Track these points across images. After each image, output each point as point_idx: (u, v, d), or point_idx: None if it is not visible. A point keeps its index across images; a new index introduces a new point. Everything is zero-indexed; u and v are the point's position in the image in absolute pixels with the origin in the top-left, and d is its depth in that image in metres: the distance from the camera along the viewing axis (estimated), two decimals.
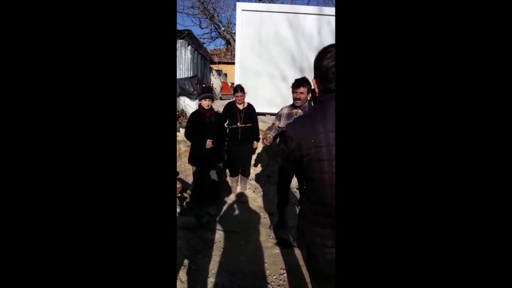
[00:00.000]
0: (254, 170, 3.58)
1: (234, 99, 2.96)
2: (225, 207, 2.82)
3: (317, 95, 0.91)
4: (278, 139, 2.33)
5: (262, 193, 3.16)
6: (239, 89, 2.87)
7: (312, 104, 2.10)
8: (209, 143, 2.59)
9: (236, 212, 2.72)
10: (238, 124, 2.89)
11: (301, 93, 2.11)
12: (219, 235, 2.29)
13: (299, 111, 2.18)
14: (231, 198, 3.00)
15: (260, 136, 2.97)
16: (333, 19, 4.67)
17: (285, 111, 2.29)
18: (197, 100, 2.74)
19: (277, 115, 2.34)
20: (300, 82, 2.12)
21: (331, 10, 4.80)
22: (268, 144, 2.23)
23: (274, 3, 9.00)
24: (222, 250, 2.10)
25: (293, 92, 2.16)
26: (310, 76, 3.68)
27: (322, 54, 0.85)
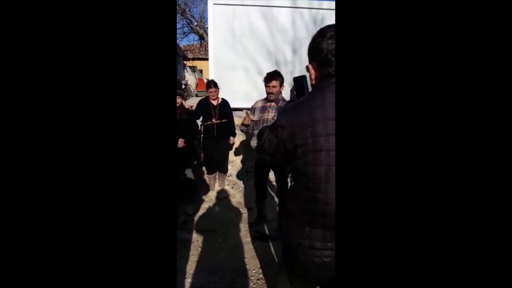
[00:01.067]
0: (232, 166, 3.54)
1: (208, 95, 2.89)
2: (203, 206, 2.76)
3: (313, 81, 0.83)
4: (254, 134, 2.29)
5: (241, 188, 3.13)
6: (212, 84, 2.80)
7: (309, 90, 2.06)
8: (180, 142, 2.51)
9: (215, 209, 2.67)
10: (213, 120, 2.82)
11: (273, 86, 2.09)
12: (196, 234, 2.24)
13: (273, 104, 2.16)
14: (209, 196, 2.94)
15: (237, 131, 2.92)
16: (306, 11, 4.68)
17: (259, 104, 2.27)
18: None
19: (252, 108, 2.31)
20: (272, 76, 2.11)
21: (304, 3, 4.81)
22: (247, 124, 2.17)
23: None
24: (200, 249, 2.05)
25: (266, 86, 2.14)
26: (286, 70, 3.70)
27: (321, 35, 0.77)
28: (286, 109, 0.86)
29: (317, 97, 0.78)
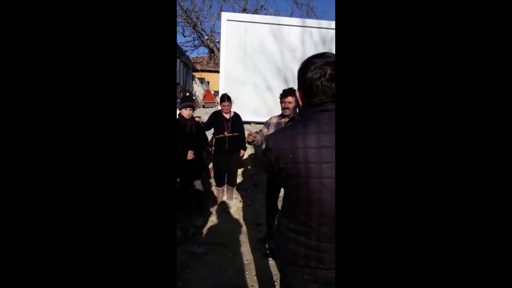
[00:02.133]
0: (241, 179, 3.55)
1: (220, 108, 2.94)
2: (211, 218, 2.75)
3: (301, 107, 0.87)
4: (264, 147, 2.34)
5: (249, 202, 3.12)
6: (226, 98, 2.86)
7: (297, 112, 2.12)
8: (190, 154, 2.54)
9: (223, 223, 2.66)
10: (225, 133, 2.86)
11: (289, 102, 2.15)
12: (206, 248, 2.22)
13: (288, 120, 2.21)
14: (217, 209, 2.94)
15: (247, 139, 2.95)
16: (315, 30, 4.82)
17: (274, 120, 2.31)
18: (178, 109, 2.66)
19: (266, 123, 2.35)
20: (287, 92, 2.17)
21: (314, 22, 4.96)
22: (251, 140, 2.21)
23: (258, 13, 9.17)
24: (209, 264, 2.03)
25: (281, 102, 2.20)
26: (294, 87, 3.75)
27: (306, 66, 0.80)
28: (274, 133, 0.90)
29: (299, 124, 0.81)
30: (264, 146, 2.35)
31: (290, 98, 2.15)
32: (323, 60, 0.78)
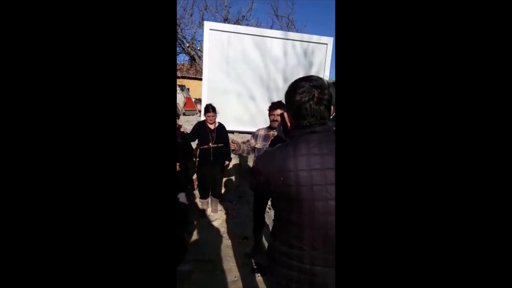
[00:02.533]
0: (225, 191, 3.48)
1: (204, 118, 2.89)
2: (196, 232, 2.65)
3: (289, 128, 0.88)
4: (254, 158, 2.31)
5: (234, 215, 3.06)
6: (211, 108, 2.81)
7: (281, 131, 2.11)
8: (176, 166, 2.45)
9: (209, 237, 2.57)
10: (210, 144, 2.80)
11: (278, 115, 2.15)
12: (192, 265, 2.13)
13: (276, 131, 2.21)
14: (202, 222, 2.84)
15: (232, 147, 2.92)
16: (297, 43, 4.96)
17: (262, 132, 2.30)
18: None
19: (254, 135, 2.33)
20: (276, 105, 2.17)
21: (295, 35, 5.10)
22: (233, 149, 2.19)
23: (239, 24, 9.27)
24: (197, 283, 1.94)
25: (270, 114, 2.19)
26: (277, 96, 3.87)
27: (293, 89, 0.81)
28: (263, 155, 0.90)
29: (289, 146, 0.81)
30: (252, 160, 2.33)
31: (279, 111, 2.15)
32: (310, 84, 0.79)
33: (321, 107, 0.79)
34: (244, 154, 2.38)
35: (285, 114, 0.88)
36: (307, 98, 0.78)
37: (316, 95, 0.78)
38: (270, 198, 2.47)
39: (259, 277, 2.01)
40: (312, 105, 0.79)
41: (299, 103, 0.79)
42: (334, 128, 0.79)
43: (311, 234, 0.78)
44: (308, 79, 0.82)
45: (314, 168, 0.76)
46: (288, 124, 0.88)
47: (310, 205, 0.77)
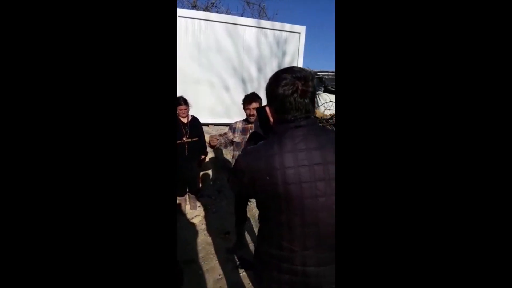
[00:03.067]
0: (203, 186, 3.37)
1: (177, 112, 2.72)
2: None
3: (271, 124, 0.82)
4: (235, 155, 2.22)
5: (214, 210, 2.99)
6: (183, 101, 2.65)
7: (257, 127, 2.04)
8: None
9: (189, 236, 2.48)
10: (184, 139, 2.66)
11: (254, 108, 2.07)
12: None
13: (253, 125, 2.14)
14: (180, 220, 2.73)
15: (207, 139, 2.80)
16: (269, 32, 4.87)
17: (240, 125, 2.21)
18: None
19: (231, 127, 2.23)
20: (251, 98, 2.08)
21: (268, 24, 5.00)
22: (214, 144, 2.08)
23: (209, 11, 8.88)
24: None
25: (245, 108, 2.10)
26: (251, 86, 3.79)
27: (275, 81, 0.75)
28: (246, 153, 0.84)
29: (273, 143, 0.77)
30: (229, 153, 2.24)
31: (254, 104, 2.06)
32: (293, 75, 0.74)
33: (305, 100, 0.74)
34: (222, 147, 2.29)
35: (267, 109, 0.82)
36: (290, 91, 0.73)
37: (300, 87, 0.73)
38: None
39: (243, 273, 1.99)
40: (296, 98, 0.73)
41: (282, 97, 0.74)
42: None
43: (302, 233, 0.75)
44: (291, 70, 0.76)
45: (302, 165, 0.73)
46: (270, 119, 0.82)
47: (300, 203, 0.73)
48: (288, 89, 0.73)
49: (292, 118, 0.75)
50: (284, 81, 0.73)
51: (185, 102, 2.65)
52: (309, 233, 0.75)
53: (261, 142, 0.82)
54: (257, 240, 0.90)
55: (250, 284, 1.87)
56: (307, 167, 0.73)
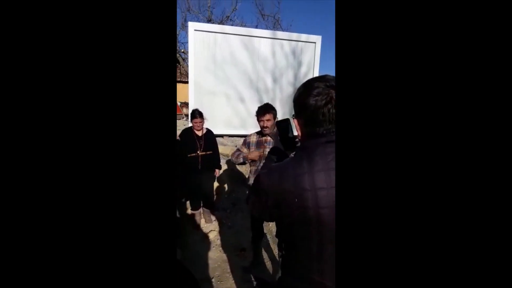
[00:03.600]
0: (217, 199, 3.31)
1: (191, 125, 2.70)
2: (190, 248, 2.47)
3: (299, 137, 0.74)
4: (250, 174, 2.14)
5: (229, 224, 2.90)
6: (198, 114, 2.62)
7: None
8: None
9: (204, 252, 2.40)
10: (198, 152, 2.62)
11: (268, 120, 1.99)
12: None
13: (269, 138, 2.05)
14: (195, 235, 2.66)
15: (225, 159, 2.75)
16: (285, 42, 4.86)
17: (254, 139, 2.13)
18: None
19: (245, 142, 2.15)
20: (265, 109, 2.00)
21: (284, 35, 5.00)
22: (256, 158, 2.03)
23: (224, 24, 9.09)
24: None
25: (259, 120, 2.01)
26: (267, 97, 3.75)
27: (307, 91, 0.68)
28: (270, 171, 0.73)
29: (303, 161, 0.68)
30: (246, 166, 2.16)
31: (268, 116, 1.98)
32: (327, 84, 0.66)
33: None
34: (241, 163, 2.20)
35: (295, 121, 0.74)
36: (324, 102, 0.65)
37: (334, 97, 0.65)
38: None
39: None
40: (331, 109, 0.65)
41: (314, 108, 0.66)
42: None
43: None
44: (324, 78, 0.69)
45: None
46: (299, 132, 0.74)
47: (332, 231, 0.62)
48: (321, 100, 0.66)
49: (325, 132, 0.67)
50: (317, 90, 0.66)
51: (200, 115, 2.63)
52: None
53: (287, 159, 0.73)
54: (280, 269, 0.80)
55: None
56: None
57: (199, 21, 8.93)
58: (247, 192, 2.05)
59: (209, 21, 9.65)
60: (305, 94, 0.68)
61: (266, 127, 1.99)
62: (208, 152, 2.66)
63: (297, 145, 0.84)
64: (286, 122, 0.93)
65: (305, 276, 0.68)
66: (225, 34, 4.61)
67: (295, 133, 0.82)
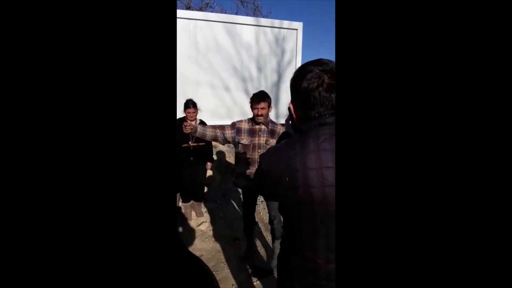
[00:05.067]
0: (208, 191, 3.29)
1: (184, 115, 2.63)
2: (184, 241, 2.46)
3: (295, 121, 0.76)
4: (236, 161, 2.12)
5: (221, 215, 2.91)
6: (191, 104, 2.56)
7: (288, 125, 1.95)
8: None
9: (198, 244, 2.40)
10: (190, 143, 2.57)
11: (262, 108, 1.96)
12: None
13: (263, 127, 2.03)
14: (188, 228, 2.64)
15: (214, 150, 2.71)
16: (268, 30, 4.78)
17: (246, 126, 2.07)
18: None
19: (234, 126, 2.06)
20: (260, 97, 1.97)
21: (266, 21, 4.92)
22: (189, 132, 1.91)
23: (203, 11, 8.77)
24: None
25: (253, 108, 1.97)
26: (251, 86, 3.70)
27: (300, 74, 0.70)
28: (267, 153, 0.77)
29: (296, 143, 0.69)
30: (232, 154, 2.15)
31: (263, 104, 1.95)
32: (320, 68, 0.67)
33: (332, 95, 0.67)
34: (200, 136, 2.01)
35: (290, 105, 0.75)
36: (315, 85, 0.66)
37: (326, 80, 0.66)
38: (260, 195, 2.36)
39: (257, 282, 1.91)
40: (322, 93, 0.67)
41: (306, 91, 0.68)
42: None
43: (326, 244, 0.67)
44: (317, 62, 0.69)
45: (326, 166, 0.65)
46: (294, 116, 0.75)
47: (323, 210, 0.65)
48: (312, 83, 0.67)
49: (316, 115, 0.68)
50: (310, 74, 0.67)
51: (193, 105, 2.57)
52: (333, 244, 0.67)
53: (283, 141, 0.75)
54: (281, 247, 0.83)
55: None
56: (332, 170, 0.65)
57: (178, 9, 8.56)
58: (242, 171, 2.03)
59: (188, 8, 9.27)
60: (298, 78, 0.70)
61: (261, 115, 1.95)
62: (200, 144, 2.61)
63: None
64: None
65: (300, 253, 0.71)
66: (206, 21, 4.45)
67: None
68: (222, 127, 2.10)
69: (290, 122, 0.93)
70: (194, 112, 2.56)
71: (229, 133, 2.05)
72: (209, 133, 2.01)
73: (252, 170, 2.02)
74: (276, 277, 0.84)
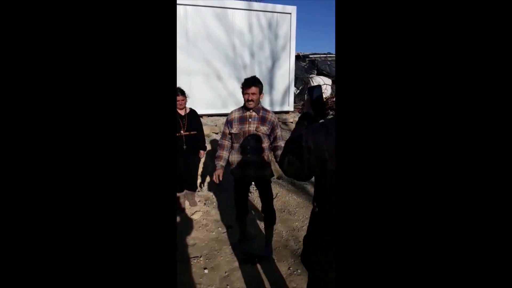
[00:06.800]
0: (201, 180, 3.28)
1: None
2: (178, 230, 2.47)
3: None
4: (234, 147, 2.10)
5: (214, 204, 2.91)
6: (179, 92, 2.50)
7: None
8: None
9: (192, 233, 2.41)
10: (182, 132, 2.54)
11: (253, 93, 1.90)
12: (177, 266, 1.97)
13: (253, 114, 1.99)
14: (182, 218, 2.66)
15: (207, 139, 2.69)
16: (261, 14, 4.64)
17: (236, 115, 2.04)
18: None
19: (227, 122, 2.07)
20: (251, 82, 1.90)
21: (259, 5, 4.77)
22: (218, 182, 2.05)
23: None
24: (185, 285, 1.81)
25: (244, 93, 1.92)
26: (245, 73, 3.63)
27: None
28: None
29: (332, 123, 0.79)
30: (234, 145, 2.15)
31: (254, 89, 1.89)
32: None
33: None
34: (229, 153, 2.12)
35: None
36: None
37: None
38: (253, 183, 2.34)
39: (249, 268, 1.93)
40: None
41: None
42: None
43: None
44: None
45: None
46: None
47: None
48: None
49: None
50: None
51: (182, 92, 2.52)
52: None
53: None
54: (312, 230, 0.96)
55: (257, 279, 1.82)
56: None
57: None
58: (234, 160, 2.05)
59: None
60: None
61: (251, 100, 1.90)
62: (192, 132, 2.58)
63: (326, 112, 0.97)
64: (319, 89, 1.04)
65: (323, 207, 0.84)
66: (196, 7, 4.30)
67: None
68: (224, 134, 2.10)
69: (310, 104, 1.02)
70: (182, 100, 2.51)
71: (228, 132, 2.05)
72: (225, 149, 2.11)
73: (241, 157, 2.01)
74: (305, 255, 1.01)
